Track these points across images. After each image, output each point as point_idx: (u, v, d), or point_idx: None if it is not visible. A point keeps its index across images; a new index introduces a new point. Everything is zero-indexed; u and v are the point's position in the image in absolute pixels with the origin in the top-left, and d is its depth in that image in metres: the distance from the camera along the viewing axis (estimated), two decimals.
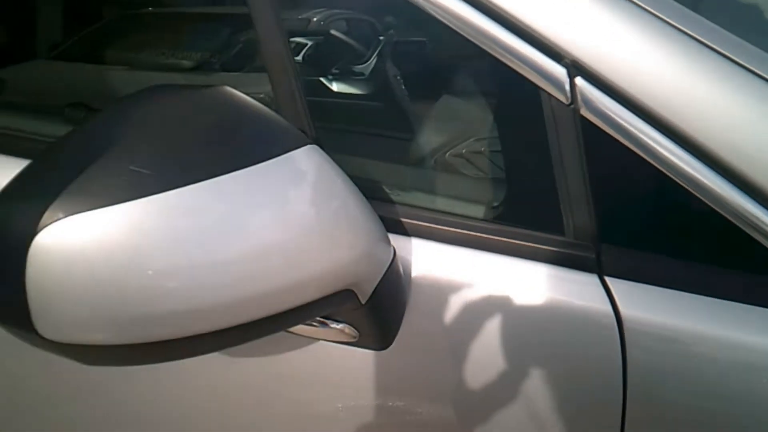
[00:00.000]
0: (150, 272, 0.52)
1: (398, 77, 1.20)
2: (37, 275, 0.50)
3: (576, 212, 0.68)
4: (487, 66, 0.69)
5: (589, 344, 0.68)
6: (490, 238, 0.71)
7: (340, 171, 0.61)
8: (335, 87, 1.47)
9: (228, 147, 0.56)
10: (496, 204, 0.74)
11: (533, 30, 0.64)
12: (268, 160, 0.57)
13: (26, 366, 0.89)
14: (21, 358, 0.88)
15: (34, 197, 0.52)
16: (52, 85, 1.41)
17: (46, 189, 0.52)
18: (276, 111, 0.63)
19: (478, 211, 0.73)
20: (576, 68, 0.63)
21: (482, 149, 0.77)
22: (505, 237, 0.71)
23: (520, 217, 0.71)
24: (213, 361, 0.78)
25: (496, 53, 0.65)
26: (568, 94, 0.64)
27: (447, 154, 0.79)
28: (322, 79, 1.46)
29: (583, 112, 0.64)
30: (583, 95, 0.63)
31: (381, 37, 1.49)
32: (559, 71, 0.64)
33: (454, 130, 0.83)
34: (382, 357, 0.74)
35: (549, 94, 0.65)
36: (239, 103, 0.59)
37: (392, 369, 0.75)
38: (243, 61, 1.52)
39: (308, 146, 0.60)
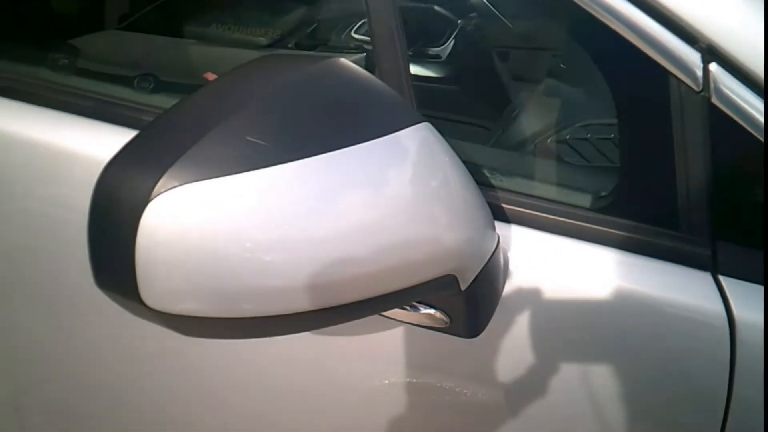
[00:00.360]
0: (256, 246, 0.50)
1: (489, 59, 1.15)
2: (146, 243, 0.48)
3: (693, 206, 0.63)
4: (603, 46, 0.65)
5: (696, 345, 0.64)
6: (596, 229, 0.67)
7: (452, 151, 0.58)
8: (411, 70, 1.43)
9: (343, 122, 0.53)
10: (604, 193, 0.70)
11: (665, 7, 0.59)
12: (382, 136, 0.54)
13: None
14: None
15: (149, 164, 0.50)
16: (123, 55, 1.40)
17: (161, 156, 0.50)
18: None
19: (584, 200, 0.69)
20: (711, 53, 0.58)
21: (588, 136, 0.73)
22: (612, 228, 0.66)
23: (630, 208, 0.67)
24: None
25: (619, 31, 0.61)
26: (700, 81, 0.59)
27: (549, 140, 0.75)
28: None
29: (714, 100, 0.59)
30: (715, 83, 0.59)
31: (459, 21, 1.45)
32: (692, 55, 0.59)
33: (556, 115, 0.79)
34: (467, 344, 0.71)
35: (678, 79, 0.60)
36: (355, 77, 0.56)
37: (476, 357, 0.72)
38: (317, 40, 1.49)
39: (422, 124, 0.56)
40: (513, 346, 0.70)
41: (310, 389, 0.81)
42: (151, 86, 1.27)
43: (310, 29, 1.50)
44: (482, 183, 0.70)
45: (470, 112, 1.20)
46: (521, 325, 0.70)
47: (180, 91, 1.23)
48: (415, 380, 0.75)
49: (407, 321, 0.71)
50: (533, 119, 0.81)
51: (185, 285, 0.50)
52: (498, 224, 0.68)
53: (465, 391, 0.74)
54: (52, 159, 0.83)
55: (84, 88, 0.88)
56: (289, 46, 1.47)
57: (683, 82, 0.60)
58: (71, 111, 0.84)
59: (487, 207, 0.61)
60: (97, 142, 0.81)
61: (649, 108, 0.63)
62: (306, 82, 0.54)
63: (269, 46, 1.44)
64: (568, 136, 0.74)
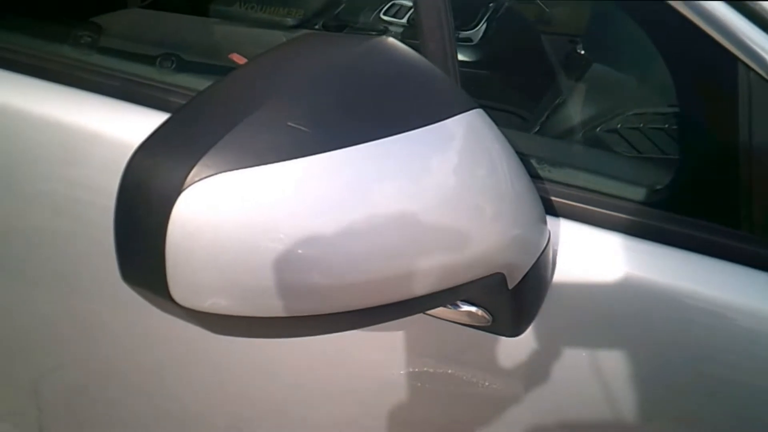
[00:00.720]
0: (295, 240, 0.45)
1: (525, 44, 1.09)
2: (178, 236, 0.44)
3: (760, 204, 0.58)
4: (667, 30, 0.60)
5: (757, 351, 0.59)
6: (650, 224, 0.62)
7: (505, 140, 0.53)
8: None
9: (391, 107, 0.48)
10: (659, 187, 0.64)
11: None
12: (432, 124, 0.49)
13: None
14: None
15: (181, 151, 0.45)
16: (145, 34, 1.35)
17: (195, 143, 0.45)
18: None
19: (637, 193, 0.64)
20: None
21: (640, 125, 0.68)
22: (669, 225, 0.62)
23: (689, 204, 0.62)
24: None
25: (686, 14, 0.56)
26: None
27: (598, 129, 0.69)
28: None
29: None
30: None
31: (491, 4, 1.38)
32: (765, 42, 0.54)
33: (605, 103, 0.74)
34: (508, 343, 0.67)
35: (748, 66, 0.55)
36: (404, 58, 0.51)
37: (515, 356, 0.67)
38: (344, 22, 1.44)
39: (475, 111, 0.52)
40: (548, 343, 0.66)
41: (326, 378, 0.78)
42: (174, 66, 1.23)
43: (337, 10, 1.45)
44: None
45: (503, 99, 1.15)
46: (560, 323, 0.65)
47: (203, 72, 1.20)
48: (432, 370, 0.72)
49: (445, 318, 0.66)
50: (580, 107, 0.76)
51: (217, 280, 0.46)
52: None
53: (483, 383, 0.70)
54: (75, 139, 0.79)
55: (107, 66, 0.83)
56: (316, 27, 1.42)
57: (753, 70, 0.55)
58: (94, 90, 0.80)
59: (540, 200, 0.57)
60: (121, 123, 0.77)
61: (715, 97, 0.58)
62: (351, 64, 0.49)
63: (295, 27, 1.39)
64: (618, 125, 0.69)
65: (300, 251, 0.46)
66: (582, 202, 0.63)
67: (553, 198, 0.63)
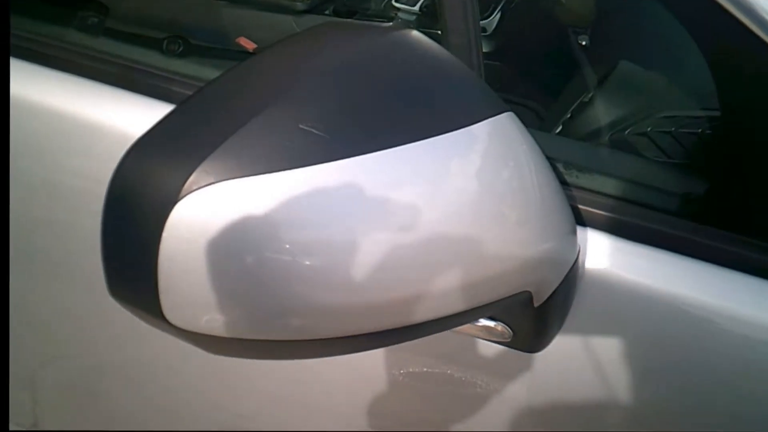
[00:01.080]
0: (304, 260, 0.39)
1: (544, 36, 1.02)
2: (172, 250, 0.38)
3: None
4: (711, 30, 0.53)
5: None
6: (682, 237, 0.56)
7: (538, 148, 0.47)
8: None
9: (417, 109, 0.42)
10: (693, 197, 0.58)
11: None
12: (460, 129, 0.42)
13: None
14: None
15: (180, 154, 0.39)
16: (152, 15, 1.28)
17: (195, 145, 0.39)
18: None
19: (669, 203, 0.58)
20: None
21: (672, 129, 0.61)
22: (703, 238, 0.55)
23: (726, 216, 0.55)
24: None
25: (735, 13, 0.49)
26: None
27: (626, 132, 0.63)
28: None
29: None
30: None
31: None
32: None
33: (634, 103, 0.67)
34: (525, 357, 0.61)
35: None
36: (431, 54, 0.44)
37: (533, 371, 0.61)
38: (354, 8, 1.36)
39: (506, 114, 0.45)
40: (565, 359, 0.60)
41: (326, 373, 0.73)
42: (180, 49, 1.16)
43: None
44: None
45: (517, 92, 1.08)
46: (581, 337, 0.59)
47: (210, 56, 1.12)
48: (433, 370, 0.66)
49: (463, 332, 0.60)
50: (606, 107, 0.69)
51: (215, 301, 0.39)
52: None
53: (482, 385, 0.65)
54: (77, 129, 0.73)
55: (111, 52, 0.76)
56: (326, 12, 1.35)
57: None
58: (97, 78, 0.72)
59: (571, 211, 0.50)
60: (125, 113, 0.70)
61: (753, 99, 0.51)
62: (371, 59, 0.43)
63: (305, 11, 1.32)
64: (648, 129, 0.62)
65: (310, 269, 0.39)
66: (609, 210, 0.57)
67: (580, 206, 0.57)
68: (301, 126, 0.39)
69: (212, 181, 0.38)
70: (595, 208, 0.57)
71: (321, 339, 0.43)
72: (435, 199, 0.41)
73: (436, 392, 0.68)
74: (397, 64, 0.43)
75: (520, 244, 0.45)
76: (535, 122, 0.91)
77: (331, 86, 0.41)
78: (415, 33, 0.45)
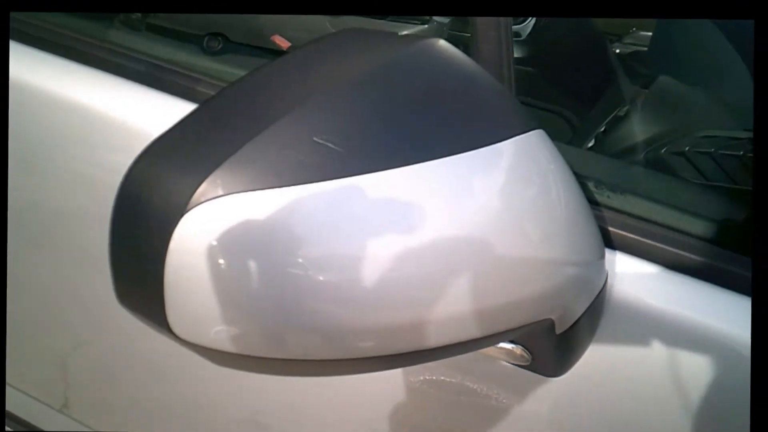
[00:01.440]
0: (311, 283, 0.36)
1: (579, 43, 0.97)
2: (178, 262, 0.36)
3: None
4: (745, 37, 0.48)
5: None
6: (717, 267, 0.51)
7: (567, 167, 0.43)
8: None
9: (441, 124, 0.38)
10: (732, 224, 0.53)
11: None
12: (487, 146, 0.39)
13: None
14: None
15: (189, 164, 0.36)
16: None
17: (204, 155, 0.36)
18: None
19: (706, 229, 0.53)
20: None
21: (712, 150, 0.57)
22: (741, 269, 0.50)
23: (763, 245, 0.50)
24: None
25: None
26: None
27: (663, 151, 0.58)
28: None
29: None
30: None
31: None
32: None
33: (673, 120, 0.62)
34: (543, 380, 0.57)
35: None
36: (459, 66, 0.41)
37: (553, 392, 0.57)
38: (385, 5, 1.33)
39: (535, 131, 0.41)
40: (599, 392, 0.56)
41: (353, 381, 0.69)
42: (220, 46, 1.14)
43: None
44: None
45: (549, 99, 1.03)
46: (605, 364, 0.55)
47: (248, 54, 1.11)
48: (455, 381, 0.63)
49: (479, 352, 0.56)
50: (643, 122, 0.65)
51: (222, 316, 0.37)
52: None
53: (507, 402, 0.61)
54: (109, 125, 0.71)
55: (147, 52, 0.74)
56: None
57: None
58: (134, 78, 0.70)
59: (600, 236, 0.46)
60: (153, 114, 0.68)
61: None
62: (396, 69, 0.40)
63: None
64: (686, 148, 0.57)
65: (321, 288, 0.36)
66: (641, 234, 0.52)
67: (610, 228, 0.53)
68: (315, 139, 0.36)
69: (221, 193, 0.35)
70: (626, 231, 0.53)
71: (330, 360, 0.40)
72: (455, 220, 0.38)
73: (452, 402, 0.65)
74: (423, 76, 0.40)
75: (543, 270, 0.41)
76: (567, 131, 0.86)
77: (351, 97, 0.38)
78: (442, 43, 0.41)
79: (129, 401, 0.94)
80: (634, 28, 0.99)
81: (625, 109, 0.66)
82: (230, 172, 0.35)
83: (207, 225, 0.35)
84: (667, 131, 0.61)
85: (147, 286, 0.37)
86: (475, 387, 0.62)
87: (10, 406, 1.02)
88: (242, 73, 0.82)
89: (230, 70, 0.75)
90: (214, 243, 0.35)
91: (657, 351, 0.52)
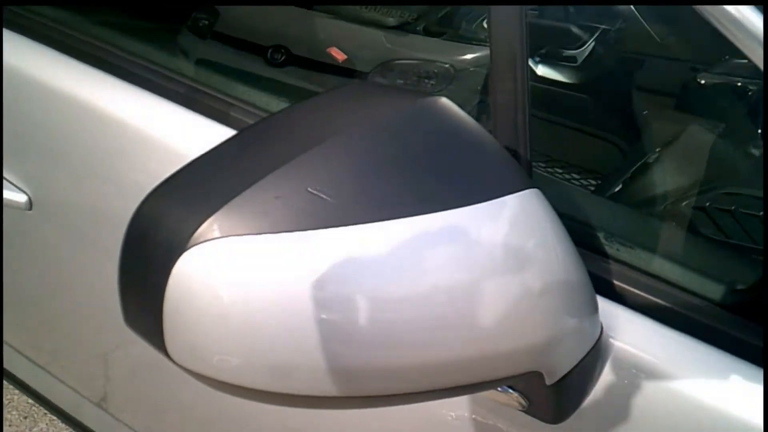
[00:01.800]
0: (297, 322, 0.39)
1: (629, 75, 0.97)
2: (176, 296, 0.39)
3: None
4: None
5: None
6: (722, 331, 0.51)
7: (560, 226, 0.44)
8: (540, 71, 1.25)
9: (434, 181, 0.41)
10: (740, 287, 0.53)
11: None
12: (479, 203, 0.41)
13: None
14: None
15: (193, 204, 0.40)
16: (261, 24, 1.32)
17: (206, 198, 0.39)
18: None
19: (713, 290, 0.53)
20: None
21: (732, 208, 0.56)
22: (745, 336, 0.50)
23: None
24: None
25: None
26: None
27: (684, 204, 0.58)
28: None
29: None
30: None
31: (603, 25, 1.25)
32: None
33: (698, 173, 0.62)
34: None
35: None
36: (457, 124, 0.43)
37: None
38: (445, 27, 1.34)
39: (529, 191, 0.43)
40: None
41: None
42: (283, 58, 1.19)
43: (440, 14, 1.36)
44: (592, 247, 0.55)
45: (599, 125, 1.03)
46: (606, 415, 0.55)
47: (307, 67, 1.16)
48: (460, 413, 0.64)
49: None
50: (669, 172, 0.65)
51: (212, 349, 0.40)
52: (602, 302, 0.53)
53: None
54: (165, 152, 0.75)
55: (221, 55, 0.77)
56: (418, 29, 1.35)
57: None
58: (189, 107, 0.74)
59: (592, 290, 0.47)
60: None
61: None
62: (395, 125, 0.42)
63: (396, 27, 1.32)
64: (708, 204, 0.57)
65: (305, 330, 0.39)
66: (648, 291, 0.53)
67: (615, 281, 0.53)
68: (309, 189, 0.39)
69: (218, 235, 0.38)
70: (633, 286, 0.53)
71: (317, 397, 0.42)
72: (441, 273, 0.40)
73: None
74: (421, 134, 0.42)
75: (528, 325, 0.43)
76: (617, 158, 0.86)
77: (346, 151, 0.40)
78: (444, 101, 0.43)
79: (164, 401, 0.99)
80: (727, 56, 0.97)
81: (654, 156, 0.66)
82: (228, 216, 0.38)
83: (204, 264, 0.38)
84: (690, 184, 0.61)
85: (148, 315, 0.40)
86: (478, 418, 0.63)
87: (50, 396, 1.09)
88: (304, 86, 0.86)
89: (294, 82, 0.78)
90: (209, 281, 0.38)
91: (659, 413, 0.52)
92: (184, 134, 0.73)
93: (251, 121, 0.71)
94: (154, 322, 0.40)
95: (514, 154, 0.54)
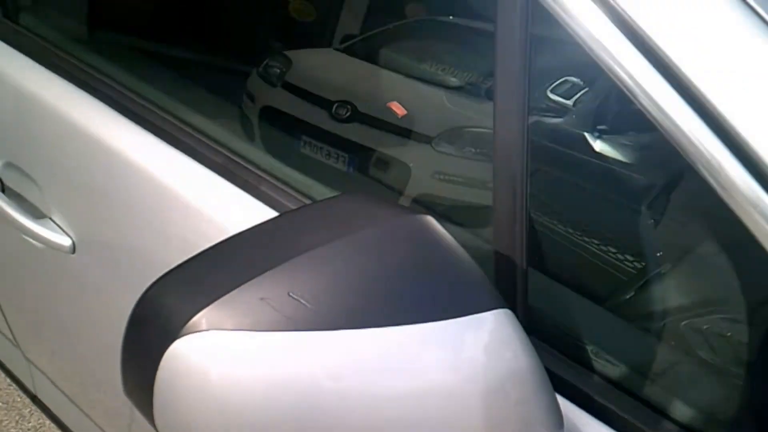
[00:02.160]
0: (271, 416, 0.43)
1: None
2: (166, 378, 0.44)
3: None
4: None
5: None
6: None
7: (531, 349, 0.47)
8: (599, 147, 1.20)
9: (409, 295, 0.45)
10: (720, 416, 0.54)
11: None
12: (450, 319, 0.45)
13: None
14: None
15: (189, 297, 0.45)
16: (331, 77, 1.37)
17: (202, 291, 0.45)
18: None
19: (692, 418, 0.54)
20: None
21: (728, 334, 0.58)
22: None
23: None
24: None
25: None
26: None
27: (683, 323, 0.60)
28: (586, 134, 1.20)
29: None
30: None
31: None
32: None
33: (703, 292, 0.63)
34: None
35: None
36: (438, 243, 0.47)
37: None
38: None
39: (500, 310, 0.46)
40: None
41: None
42: (348, 114, 1.21)
43: None
44: (580, 361, 0.57)
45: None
46: None
47: (370, 124, 1.18)
48: None
49: None
50: (674, 288, 0.66)
51: (192, 427, 0.45)
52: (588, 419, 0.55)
53: None
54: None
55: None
56: (480, 92, 1.34)
57: None
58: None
59: (558, 409, 0.50)
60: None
61: None
62: (377, 240, 0.46)
63: (458, 87, 1.32)
64: (705, 327, 0.58)
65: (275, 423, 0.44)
66: (631, 414, 0.54)
67: (597, 399, 0.55)
68: (290, 294, 0.44)
69: (205, 328, 0.43)
70: (614, 405, 0.55)
71: None
72: (404, 385, 0.44)
73: None
74: (401, 249, 0.46)
75: None
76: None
77: (331, 259, 0.45)
78: (428, 219, 0.48)
79: None
80: None
81: (662, 271, 0.67)
82: (216, 311, 0.43)
83: (191, 352, 0.43)
84: (693, 303, 0.62)
85: (142, 389, 0.46)
86: None
87: (76, 429, 1.16)
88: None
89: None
90: (195, 367, 0.44)
91: None
92: (222, 206, 0.79)
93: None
94: (146, 396, 0.46)
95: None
